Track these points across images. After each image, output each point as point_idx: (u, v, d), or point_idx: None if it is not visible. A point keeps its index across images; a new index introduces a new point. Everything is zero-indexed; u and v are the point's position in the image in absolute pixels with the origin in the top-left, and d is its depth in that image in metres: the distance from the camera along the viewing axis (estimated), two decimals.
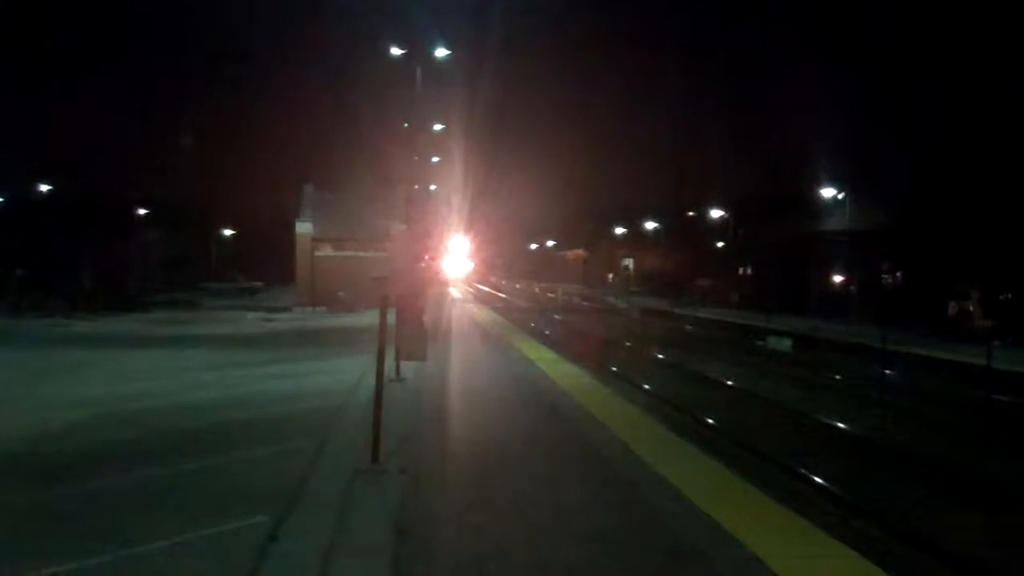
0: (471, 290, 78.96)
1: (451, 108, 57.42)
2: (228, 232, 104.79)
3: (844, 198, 51.59)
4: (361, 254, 61.75)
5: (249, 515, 9.39)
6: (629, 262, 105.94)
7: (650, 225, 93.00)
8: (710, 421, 21.44)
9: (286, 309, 59.64)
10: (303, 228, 66.48)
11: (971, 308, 41.30)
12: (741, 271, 72.63)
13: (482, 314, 53.49)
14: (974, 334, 35.91)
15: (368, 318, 23.65)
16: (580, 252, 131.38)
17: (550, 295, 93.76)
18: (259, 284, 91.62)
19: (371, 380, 12.23)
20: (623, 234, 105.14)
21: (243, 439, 14.07)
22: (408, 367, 20.30)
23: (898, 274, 55.11)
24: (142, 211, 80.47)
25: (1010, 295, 42.10)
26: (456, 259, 70.26)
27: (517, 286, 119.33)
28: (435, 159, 63.00)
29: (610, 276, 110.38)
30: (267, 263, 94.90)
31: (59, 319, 46.48)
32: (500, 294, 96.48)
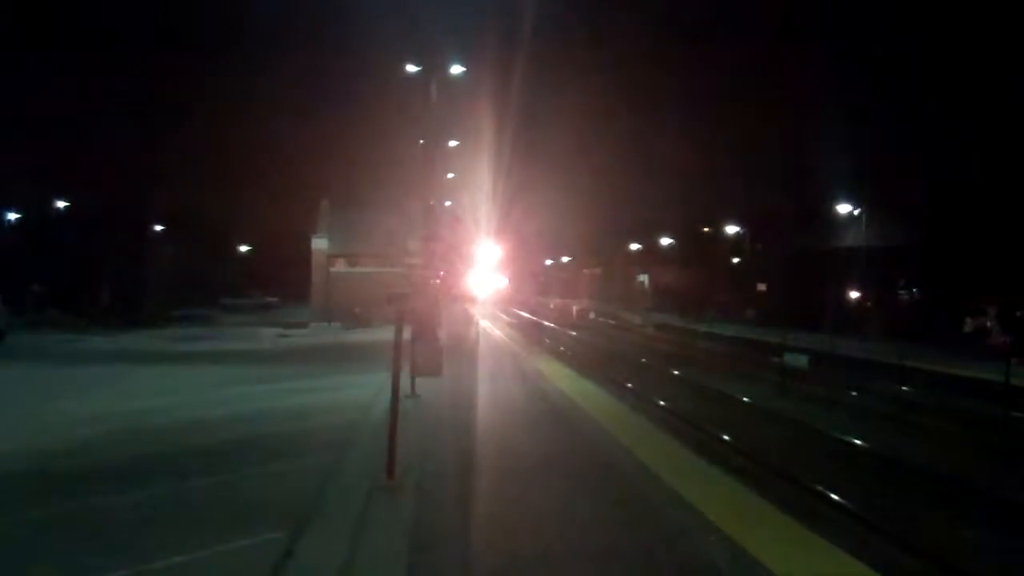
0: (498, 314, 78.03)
1: (471, 124, 57.49)
2: (244, 248, 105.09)
3: (860, 214, 51.44)
4: (376, 270, 61.94)
5: (265, 531, 9.38)
6: (644, 278, 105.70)
7: (665, 241, 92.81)
8: (726, 438, 21.38)
9: (302, 325, 59.79)
10: (319, 244, 66.74)
11: (988, 324, 41.09)
12: (757, 287, 72.43)
13: (497, 329, 53.42)
14: (992, 350, 35.69)
15: (383, 334, 23.58)
16: (596, 269, 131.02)
17: (565, 311, 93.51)
18: (275, 300, 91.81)
19: (387, 396, 12.22)
20: (639, 250, 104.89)
21: (259, 455, 14.08)
22: (423, 383, 20.28)
23: (914, 290, 54.87)
24: (158, 227, 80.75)
25: None
26: (484, 275, 70.04)
27: (532, 302, 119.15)
28: (450, 175, 63.13)
29: (626, 292, 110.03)
30: (282, 279, 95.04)
31: (76, 335, 46.70)
32: (518, 311, 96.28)
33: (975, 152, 45.87)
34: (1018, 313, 41.69)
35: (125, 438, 16.08)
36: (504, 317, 75.83)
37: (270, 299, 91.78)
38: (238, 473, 12.63)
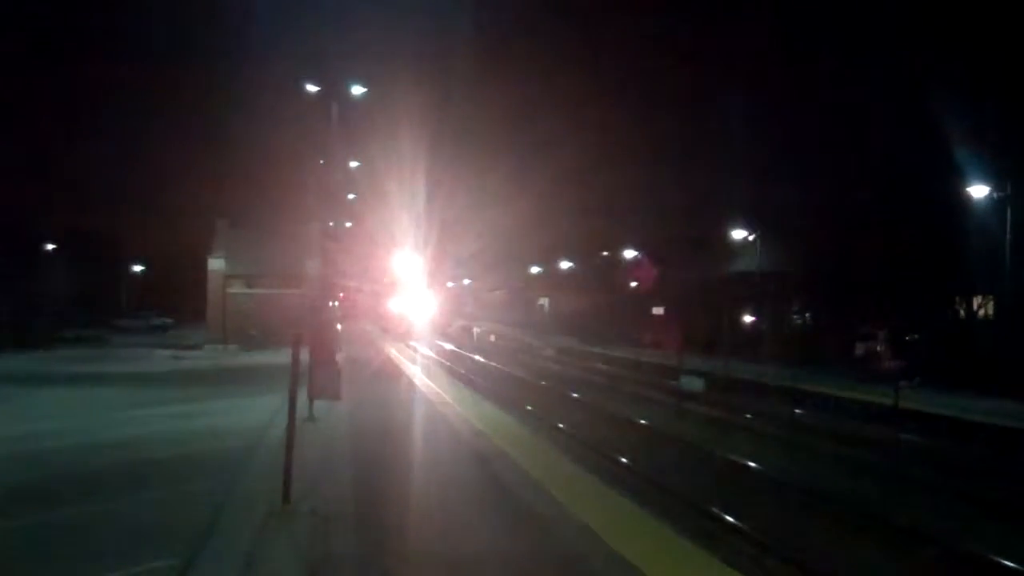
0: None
1: (383, 145, 57.38)
2: (138, 268, 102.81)
3: (755, 240, 52.38)
4: (274, 292, 61.28)
5: (155, 559, 9.16)
6: (545, 302, 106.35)
7: (565, 265, 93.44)
8: (624, 460, 21.57)
9: (197, 347, 58.59)
10: (216, 264, 65.59)
11: (879, 349, 42.14)
12: (653, 311, 73.22)
13: (398, 352, 53.14)
14: (882, 374, 36.59)
15: (280, 356, 23.30)
16: (499, 292, 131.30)
17: (466, 334, 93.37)
18: (169, 321, 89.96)
19: (283, 419, 12.06)
20: (540, 274, 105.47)
21: (151, 480, 13.76)
22: (321, 406, 20.06)
23: (807, 315, 56.09)
24: (50, 246, 78.49)
25: (916, 336, 43.08)
26: (396, 297, 69.54)
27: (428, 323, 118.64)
28: (351, 196, 62.85)
29: (527, 315, 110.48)
30: (178, 300, 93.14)
31: None
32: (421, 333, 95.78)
33: (868, 177, 46.90)
34: (907, 338, 42.90)
35: (11, 463, 15.53)
36: (408, 341, 75.36)
37: (165, 320, 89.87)
38: (130, 498, 12.32)
